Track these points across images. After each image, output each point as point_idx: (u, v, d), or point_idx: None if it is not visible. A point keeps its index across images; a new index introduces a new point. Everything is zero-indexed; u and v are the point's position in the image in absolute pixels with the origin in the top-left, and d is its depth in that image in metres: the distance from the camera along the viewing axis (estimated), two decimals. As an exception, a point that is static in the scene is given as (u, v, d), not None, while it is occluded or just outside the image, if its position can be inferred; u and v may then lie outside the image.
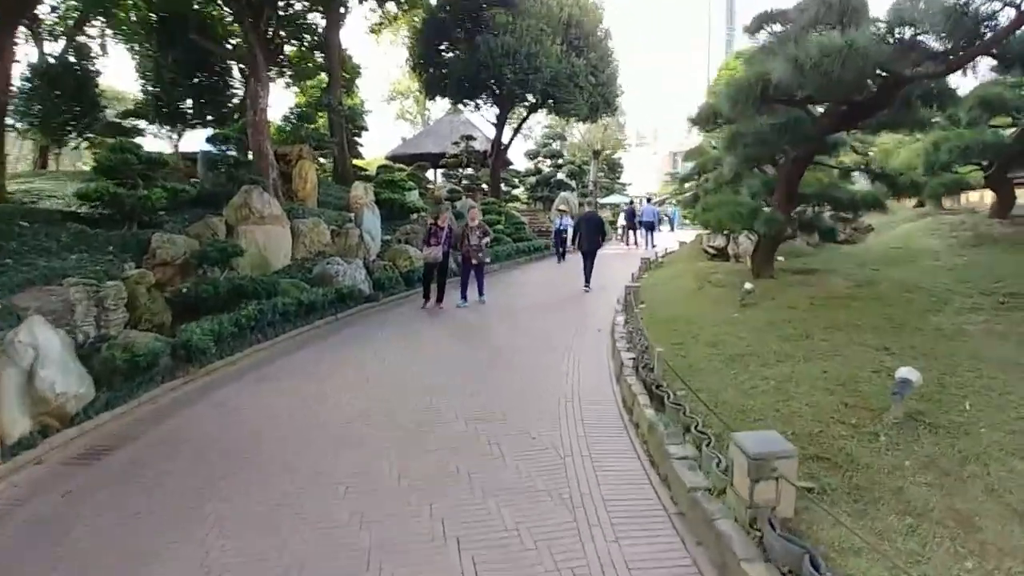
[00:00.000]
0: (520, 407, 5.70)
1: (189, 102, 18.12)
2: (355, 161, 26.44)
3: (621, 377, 6.25)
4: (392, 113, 47.63)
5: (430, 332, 9.23)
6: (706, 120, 9.11)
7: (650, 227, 22.86)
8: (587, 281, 12.60)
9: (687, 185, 21.90)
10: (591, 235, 12.62)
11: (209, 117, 18.03)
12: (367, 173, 22.48)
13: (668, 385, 5.08)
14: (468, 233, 10.95)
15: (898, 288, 7.34)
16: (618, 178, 55.98)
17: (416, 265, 13.51)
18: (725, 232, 9.08)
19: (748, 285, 7.58)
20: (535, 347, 7.94)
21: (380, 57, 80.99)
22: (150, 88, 17.60)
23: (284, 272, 11.21)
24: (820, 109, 8.38)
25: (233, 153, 13.24)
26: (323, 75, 23.45)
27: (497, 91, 25.42)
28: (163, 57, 16.78)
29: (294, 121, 18.32)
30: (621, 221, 26.27)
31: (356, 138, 28.01)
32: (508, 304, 11.37)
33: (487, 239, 11.31)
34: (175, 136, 18.77)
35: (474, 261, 10.97)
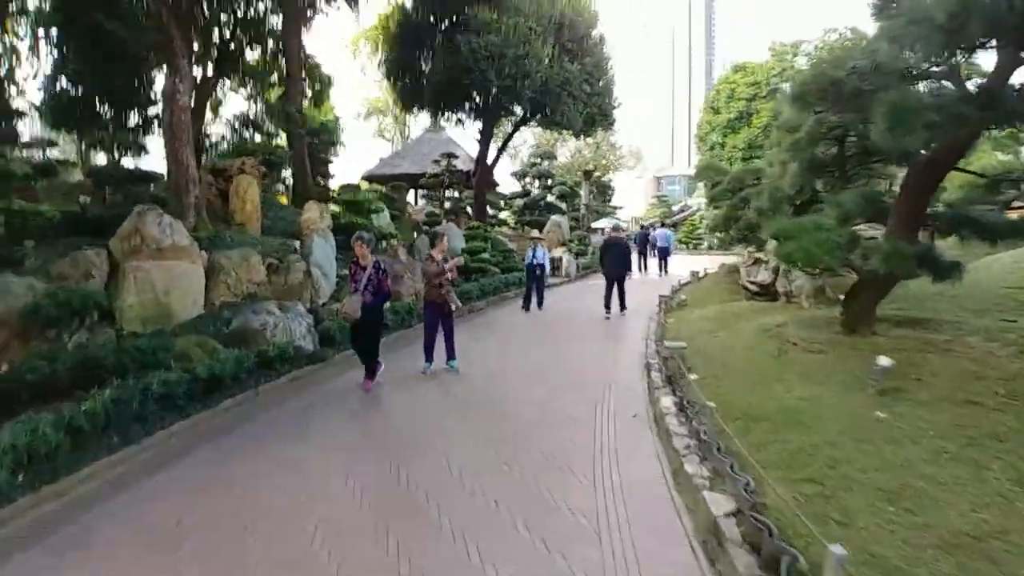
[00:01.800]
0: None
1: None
2: (325, 182, 23.52)
3: (716, 549, 3.29)
4: (370, 132, 44.85)
5: (369, 431, 6.21)
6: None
7: (664, 253, 20.39)
8: (622, 306, 12.29)
9: (691, 205, 19.27)
10: (619, 261, 12.30)
11: (134, 122, 14.88)
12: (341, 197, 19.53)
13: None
14: (433, 269, 7.89)
15: None
16: (608, 201, 53.74)
17: (380, 308, 10.55)
18: (813, 271, 6.23)
19: (884, 361, 4.72)
20: (535, 470, 4.60)
21: (357, 75, 78.50)
22: (58, 84, 14.31)
23: (192, 325, 8.19)
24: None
25: (130, 163, 10.17)
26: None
27: (481, 101, 22.75)
28: (62, 44, 13.64)
29: (236, 128, 15.29)
30: None
31: (324, 155, 25.13)
32: (493, 367, 8.33)
33: (454, 274, 8.20)
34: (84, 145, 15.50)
35: (453, 307, 7.96)
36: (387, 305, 8.01)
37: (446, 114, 25.66)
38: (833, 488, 3.29)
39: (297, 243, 10.92)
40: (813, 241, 5.79)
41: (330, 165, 26.57)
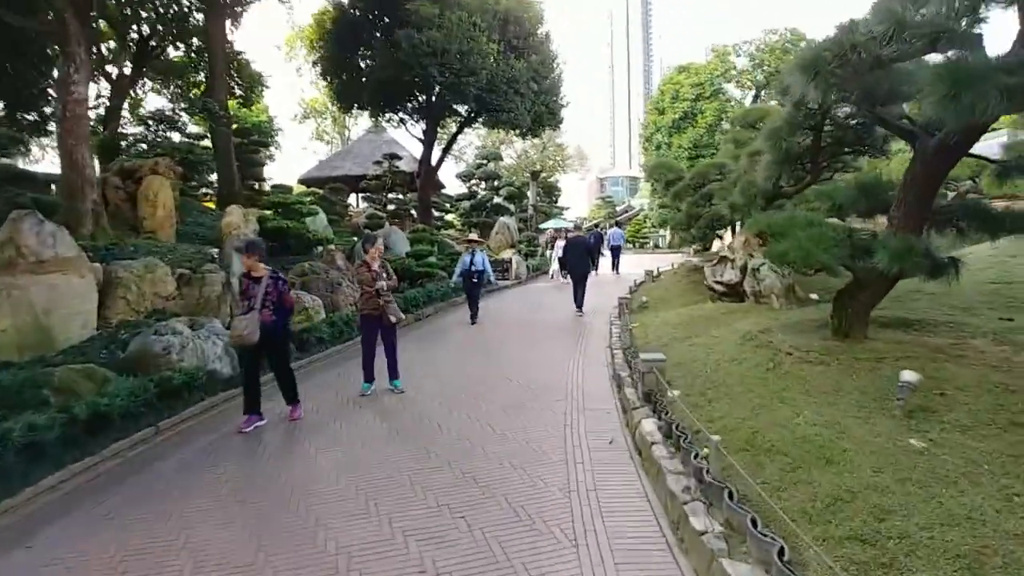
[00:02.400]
0: None
1: None
2: (260, 185, 21.91)
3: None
4: (308, 135, 42.84)
5: (288, 484, 5.16)
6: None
7: (617, 252, 20.33)
8: (579, 304, 12.00)
9: (635, 205, 18.78)
10: (582, 259, 12.19)
11: (29, 118, 13.09)
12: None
13: None
14: (371, 276, 6.80)
15: None
16: (555, 202, 53.51)
17: (315, 322, 9.43)
18: (808, 270, 5.55)
19: (909, 376, 4.03)
20: (498, 530, 3.63)
21: (295, 77, 75.58)
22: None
23: (81, 350, 6.89)
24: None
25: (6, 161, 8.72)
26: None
27: (424, 100, 21.71)
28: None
29: (152, 127, 13.74)
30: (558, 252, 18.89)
31: (257, 157, 23.52)
32: (442, 384, 7.29)
33: (391, 282, 7.01)
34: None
35: (392, 319, 6.86)
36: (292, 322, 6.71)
37: (387, 114, 24.46)
38: (892, 551, 2.51)
39: (215, 251, 9.64)
40: (809, 238, 5.12)
41: (264, 168, 24.95)
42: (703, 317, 8.60)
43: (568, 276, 17.89)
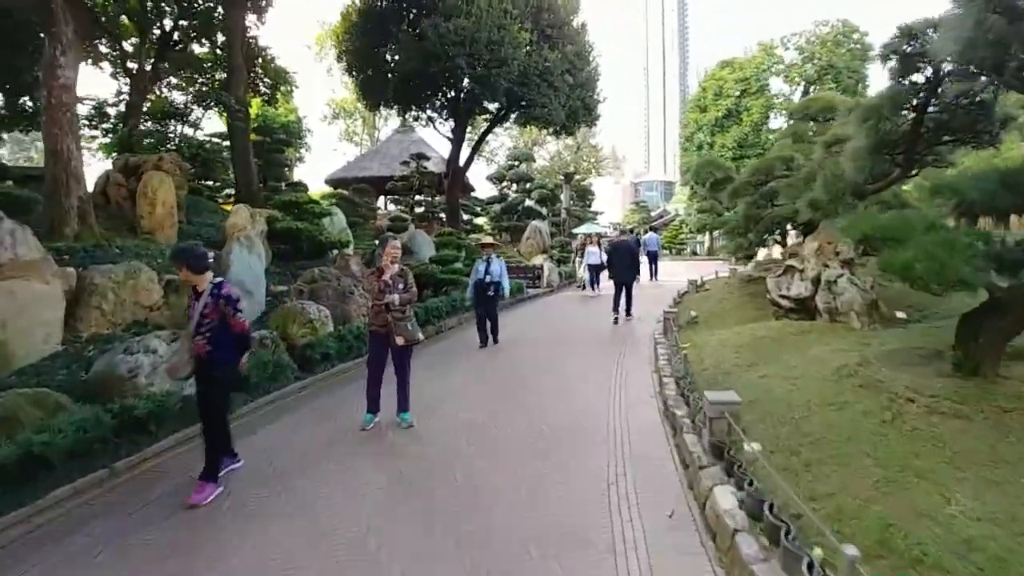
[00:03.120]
0: None
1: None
2: (283, 185, 21.16)
3: None
4: (340, 136, 42.34)
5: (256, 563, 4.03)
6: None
7: (654, 258, 19.45)
8: (628, 311, 11.50)
9: (670, 210, 17.29)
10: (628, 265, 11.38)
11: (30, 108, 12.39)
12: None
13: None
14: (378, 287, 5.63)
15: None
16: (589, 206, 52.22)
17: (321, 335, 8.38)
18: (938, 288, 4.20)
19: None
20: None
21: (324, 76, 75.21)
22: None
23: (38, 369, 5.94)
24: None
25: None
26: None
27: (452, 95, 20.66)
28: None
29: (159, 117, 12.94)
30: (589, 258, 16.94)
31: (282, 156, 22.81)
32: (459, 419, 6.03)
33: (407, 295, 5.71)
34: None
35: (398, 340, 5.63)
36: (247, 355, 4.75)
37: (415, 111, 23.51)
38: None
39: (211, 254, 8.67)
40: (937, 244, 3.80)
41: (290, 168, 24.28)
42: (770, 339, 7.23)
43: (596, 286, 16.62)
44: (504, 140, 50.32)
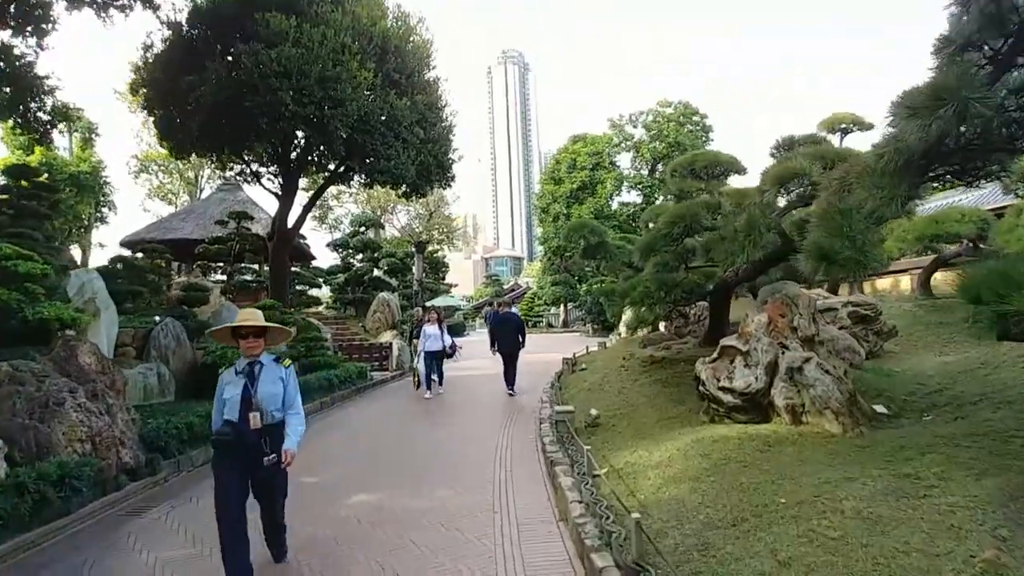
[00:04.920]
0: None
1: None
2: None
3: None
4: (149, 193, 35.88)
5: None
6: None
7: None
8: (511, 383, 11.98)
9: (521, 284, 15.00)
10: (511, 336, 11.93)
11: None
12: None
13: None
14: None
15: None
16: (442, 278, 49.88)
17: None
18: None
19: None
20: None
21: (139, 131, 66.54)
22: None
23: None
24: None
25: None
26: None
27: (280, 144, 17.15)
28: None
29: None
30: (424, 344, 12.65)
31: (47, 211, 17.36)
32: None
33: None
34: None
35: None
36: None
37: (235, 162, 19.49)
38: None
39: None
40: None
41: (90, 227, 18.72)
42: (735, 462, 4.62)
43: (438, 383, 12.62)
44: (350, 207, 46.94)
